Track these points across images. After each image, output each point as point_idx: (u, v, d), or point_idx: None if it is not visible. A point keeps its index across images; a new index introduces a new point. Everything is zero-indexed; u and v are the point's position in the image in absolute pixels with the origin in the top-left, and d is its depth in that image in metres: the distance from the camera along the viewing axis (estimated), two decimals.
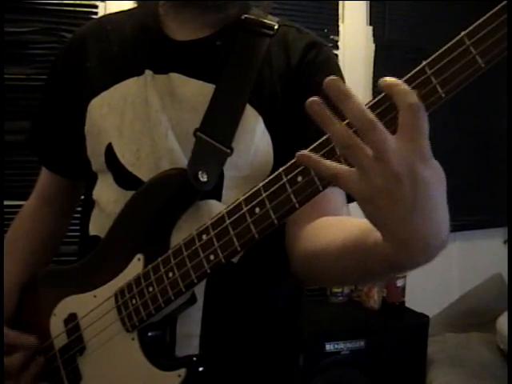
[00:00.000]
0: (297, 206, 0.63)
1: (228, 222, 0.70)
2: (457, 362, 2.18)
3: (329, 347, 1.96)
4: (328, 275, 0.77)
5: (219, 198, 0.82)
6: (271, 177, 0.65)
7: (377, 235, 0.59)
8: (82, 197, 1.00)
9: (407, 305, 2.17)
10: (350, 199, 0.82)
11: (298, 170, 0.62)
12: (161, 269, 0.78)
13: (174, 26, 0.90)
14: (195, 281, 0.75)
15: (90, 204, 0.93)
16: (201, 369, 0.78)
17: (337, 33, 2.43)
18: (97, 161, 0.91)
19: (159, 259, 0.79)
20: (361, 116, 0.52)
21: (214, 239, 0.72)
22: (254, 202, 0.67)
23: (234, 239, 0.70)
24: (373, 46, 2.48)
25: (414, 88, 0.53)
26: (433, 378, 2.11)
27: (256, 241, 0.69)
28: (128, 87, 0.88)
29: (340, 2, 2.44)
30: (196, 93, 0.84)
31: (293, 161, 0.62)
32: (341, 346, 1.97)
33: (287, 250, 0.83)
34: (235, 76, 0.84)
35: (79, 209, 1.01)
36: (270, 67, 0.85)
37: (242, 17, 0.89)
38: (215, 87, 0.83)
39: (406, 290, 2.15)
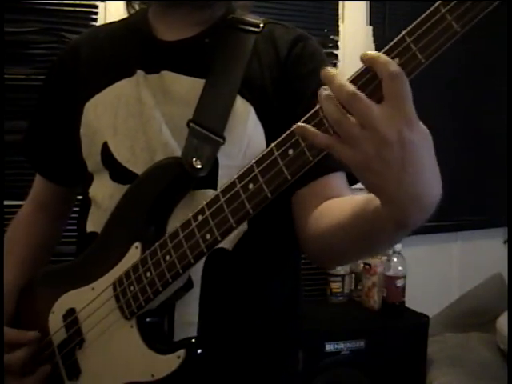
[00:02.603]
0: (289, 177, 0.66)
1: (222, 200, 0.72)
2: (457, 361, 2.17)
3: (329, 347, 1.96)
4: (340, 250, 0.79)
5: (215, 188, 0.84)
6: (263, 153, 0.68)
7: (377, 202, 0.63)
8: (80, 196, 1.01)
9: (407, 305, 2.17)
10: (351, 182, 0.86)
11: (289, 143, 0.65)
12: (158, 253, 0.80)
13: (162, 27, 0.93)
14: (192, 261, 0.77)
15: (86, 203, 0.94)
16: (199, 351, 0.79)
17: (337, 33, 2.43)
18: (93, 161, 0.92)
19: (156, 244, 0.80)
20: (342, 89, 0.57)
21: (210, 218, 0.74)
22: (248, 179, 0.69)
23: (229, 216, 0.72)
24: (373, 46, 2.47)
25: (395, 56, 0.57)
26: (433, 378, 2.10)
27: (251, 216, 0.71)
28: (121, 88, 0.90)
29: (340, 2, 2.44)
30: (188, 88, 0.87)
31: (284, 135, 0.65)
32: (341, 345, 1.97)
33: (299, 239, 0.86)
34: (224, 70, 0.87)
35: (76, 209, 1.02)
36: (259, 61, 0.88)
37: (229, 17, 0.92)
38: (205, 81, 0.86)
39: (406, 290, 2.15)
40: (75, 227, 1.00)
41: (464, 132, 2.68)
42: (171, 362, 0.78)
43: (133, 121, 0.89)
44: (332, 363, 1.96)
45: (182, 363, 0.77)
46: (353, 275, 2.31)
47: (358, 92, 0.57)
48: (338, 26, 2.43)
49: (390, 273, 2.12)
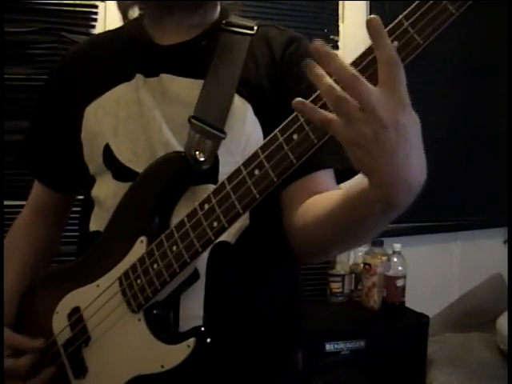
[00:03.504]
0: (294, 161, 0.67)
1: (229, 187, 0.73)
2: (457, 362, 2.17)
3: (329, 347, 1.96)
4: (327, 240, 0.81)
5: (215, 183, 0.84)
6: (267, 139, 0.69)
7: (364, 186, 0.65)
8: (81, 197, 1.01)
9: (407, 305, 2.17)
10: (341, 179, 0.88)
11: (293, 128, 0.66)
12: (164, 244, 0.80)
13: (158, 34, 0.95)
14: (200, 250, 0.77)
15: (89, 204, 0.95)
16: (208, 340, 0.79)
17: (337, 33, 2.42)
18: (94, 163, 0.94)
19: (162, 236, 0.81)
20: (344, 73, 0.58)
21: (216, 206, 0.74)
22: (253, 165, 0.70)
23: (236, 203, 0.72)
24: None
25: (394, 39, 0.59)
26: (433, 378, 2.10)
27: (258, 201, 0.72)
28: (120, 91, 0.92)
29: (340, 2, 2.44)
30: (187, 89, 0.89)
31: (287, 121, 0.67)
32: (341, 346, 1.97)
33: (286, 234, 0.88)
34: (222, 70, 0.89)
35: (77, 209, 1.02)
36: (255, 62, 0.91)
37: (223, 21, 0.95)
38: (204, 81, 0.88)
39: (406, 290, 2.15)
40: (76, 227, 1.01)
41: (464, 132, 2.68)
42: (181, 351, 0.79)
43: (133, 122, 0.90)
44: (332, 363, 1.96)
45: (193, 352, 0.78)
46: (353, 275, 2.31)
47: (359, 76, 0.58)
48: (338, 25, 2.43)
49: (390, 273, 2.12)
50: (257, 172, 0.70)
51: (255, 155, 0.70)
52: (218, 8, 0.97)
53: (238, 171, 0.73)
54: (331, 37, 2.41)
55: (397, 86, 0.58)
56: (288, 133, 0.67)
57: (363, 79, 0.58)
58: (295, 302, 0.98)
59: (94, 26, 2.06)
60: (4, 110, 1.87)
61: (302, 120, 0.65)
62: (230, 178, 0.74)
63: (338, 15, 2.43)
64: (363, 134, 0.59)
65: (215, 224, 0.75)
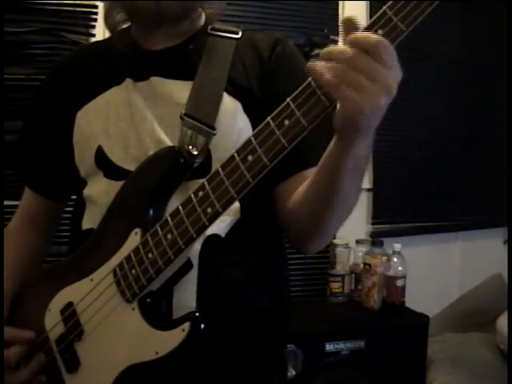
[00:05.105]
0: (286, 144, 0.69)
1: (222, 173, 0.75)
2: (457, 361, 2.17)
3: (329, 347, 1.96)
4: (315, 216, 0.83)
5: None
6: (260, 127, 0.71)
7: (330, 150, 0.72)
8: (74, 196, 1.03)
9: (407, 305, 2.17)
10: None
11: (284, 114, 0.69)
12: (159, 233, 0.81)
13: (147, 43, 0.97)
14: (194, 235, 0.78)
15: (81, 204, 0.97)
16: (202, 326, 0.79)
17: (337, 33, 2.42)
18: (86, 166, 0.95)
19: (157, 225, 0.82)
20: (345, 54, 0.63)
21: (210, 192, 0.76)
22: (246, 151, 0.72)
23: (230, 188, 0.74)
24: None
25: (378, 28, 0.64)
26: (433, 378, 2.10)
27: (251, 185, 0.73)
28: (110, 95, 0.95)
29: (340, 2, 2.44)
30: (177, 90, 0.91)
31: (278, 109, 0.69)
32: (341, 346, 1.97)
33: (282, 225, 0.92)
34: (210, 70, 0.92)
35: (70, 209, 1.02)
36: (242, 63, 0.94)
37: (209, 27, 0.98)
38: (193, 82, 0.90)
39: (406, 290, 2.15)
40: (69, 228, 1.01)
41: (464, 132, 2.68)
42: (176, 336, 0.79)
43: (124, 123, 0.92)
44: (332, 363, 1.96)
45: (188, 336, 0.78)
46: (353, 275, 2.31)
47: (360, 51, 0.62)
48: (338, 26, 2.43)
49: (390, 273, 2.12)
50: (250, 158, 0.72)
51: (248, 142, 0.73)
52: (203, 17, 1.00)
53: (231, 158, 0.74)
54: (331, 37, 2.41)
55: (396, 62, 0.64)
56: (279, 119, 0.69)
57: (365, 56, 0.62)
58: (283, 301, 0.99)
59: (94, 26, 2.06)
60: (4, 109, 1.87)
61: (292, 106, 0.68)
62: (223, 166, 0.75)
63: (337, 15, 2.43)
64: (376, 101, 0.62)
65: (209, 210, 0.76)
